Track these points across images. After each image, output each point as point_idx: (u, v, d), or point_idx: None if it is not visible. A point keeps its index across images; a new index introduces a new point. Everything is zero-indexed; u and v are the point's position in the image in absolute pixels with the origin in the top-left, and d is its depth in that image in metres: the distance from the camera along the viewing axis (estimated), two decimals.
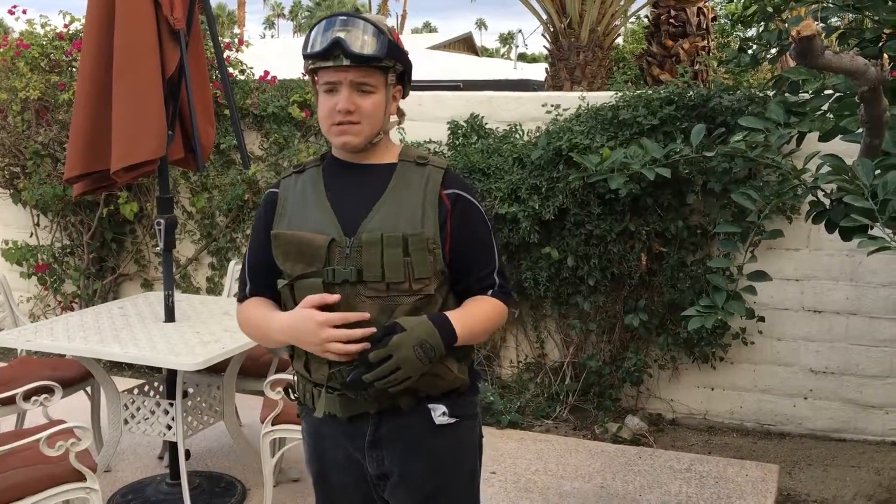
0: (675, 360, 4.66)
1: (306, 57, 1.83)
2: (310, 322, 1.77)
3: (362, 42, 1.77)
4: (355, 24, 1.78)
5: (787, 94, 3.44)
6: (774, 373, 4.56)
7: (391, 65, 1.82)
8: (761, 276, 2.91)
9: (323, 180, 1.92)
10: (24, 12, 5.66)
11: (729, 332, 4.52)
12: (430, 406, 1.87)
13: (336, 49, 1.77)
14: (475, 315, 1.86)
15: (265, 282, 1.95)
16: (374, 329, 1.77)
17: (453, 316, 1.82)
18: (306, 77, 5.45)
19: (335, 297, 1.79)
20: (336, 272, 1.80)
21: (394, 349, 1.72)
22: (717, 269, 3.34)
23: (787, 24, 3.58)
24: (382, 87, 1.83)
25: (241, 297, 2.02)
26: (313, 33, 1.82)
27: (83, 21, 5.37)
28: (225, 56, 4.98)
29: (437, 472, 1.90)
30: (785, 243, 4.39)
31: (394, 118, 1.96)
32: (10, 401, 3.38)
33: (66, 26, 5.58)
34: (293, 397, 2.03)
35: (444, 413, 1.87)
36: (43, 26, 5.62)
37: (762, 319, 4.44)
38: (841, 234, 2.63)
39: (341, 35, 1.77)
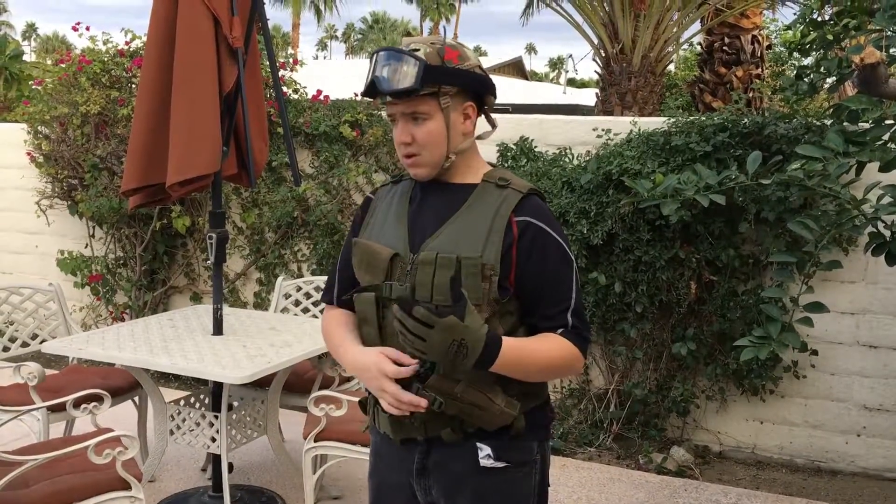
0: (723, 392, 4.57)
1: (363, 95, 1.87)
2: (376, 373, 1.77)
3: (399, 76, 1.75)
4: (392, 59, 1.77)
5: (845, 124, 3.38)
6: (827, 408, 4.44)
7: (435, 90, 1.78)
8: (818, 307, 2.84)
9: (411, 194, 1.92)
10: (88, 29, 5.83)
11: (780, 364, 4.41)
12: (478, 444, 1.81)
13: (375, 88, 1.79)
14: (527, 350, 1.76)
15: (349, 288, 1.95)
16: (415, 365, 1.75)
17: (507, 350, 1.72)
18: (358, 97, 5.55)
19: (413, 367, 1.76)
20: (393, 288, 1.80)
21: (440, 327, 1.62)
22: (771, 299, 3.26)
23: (846, 53, 3.52)
24: (437, 112, 1.79)
25: (328, 299, 2.05)
26: (366, 71, 1.84)
27: (144, 39, 5.53)
28: (279, 75, 5.06)
29: None
30: (840, 275, 4.29)
31: (486, 129, 1.94)
32: (61, 408, 3.44)
33: (127, 44, 5.73)
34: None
35: (488, 455, 1.81)
36: (105, 43, 5.78)
37: (815, 353, 4.33)
38: None
39: (379, 73, 1.78)
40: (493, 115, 1.98)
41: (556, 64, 69.42)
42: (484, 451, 1.81)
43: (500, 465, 1.82)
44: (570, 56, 35.54)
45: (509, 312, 1.80)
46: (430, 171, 1.84)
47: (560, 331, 1.80)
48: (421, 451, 1.87)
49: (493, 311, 1.77)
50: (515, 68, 36.35)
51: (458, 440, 1.82)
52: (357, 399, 2.09)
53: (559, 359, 1.79)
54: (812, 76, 3.78)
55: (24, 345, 4.21)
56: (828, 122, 4.11)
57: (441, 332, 1.61)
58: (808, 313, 2.82)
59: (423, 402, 1.73)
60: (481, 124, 1.95)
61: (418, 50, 1.77)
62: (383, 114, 5.30)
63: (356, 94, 5.43)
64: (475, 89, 1.85)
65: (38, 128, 5.90)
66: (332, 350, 1.97)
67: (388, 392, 1.75)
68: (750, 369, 4.39)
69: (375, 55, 1.81)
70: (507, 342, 1.72)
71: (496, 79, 1.98)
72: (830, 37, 3.63)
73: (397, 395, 1.74)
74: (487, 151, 4.90)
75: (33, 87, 6.45)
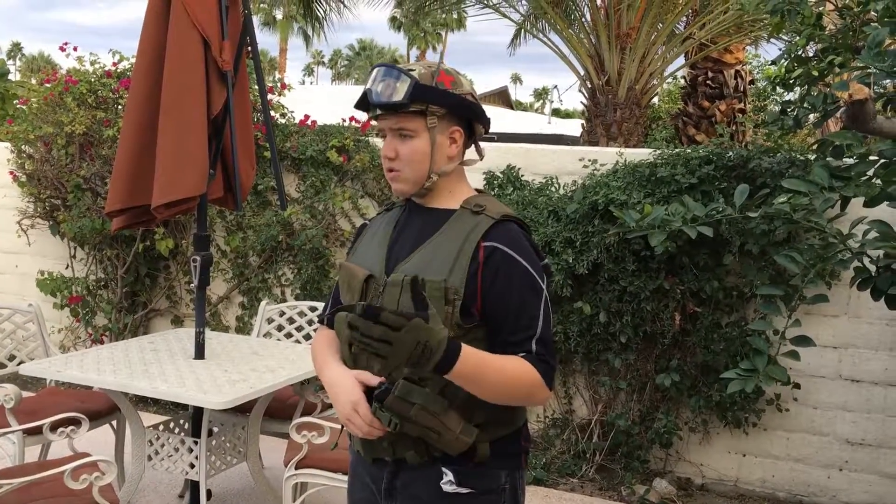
0: (706, 424, 4.56)
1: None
2: (344, 398, 1.80)
3: (390, 91, 1.80)
4: (385, 74, 1.83)
5: (829, 159, 3.41)
6: (809, 442, 4.44)
7: (422, 108, 1.82)
8: (805, 340, 2.84)
9: (397, 219, 1.96)
10: (75, 49, 5.81)
11: (763, 397, 4.42)
12: (443, 469, 1.81)
13: (366, 101, 1.85)
14: (487, 361, 1.72)
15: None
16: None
17: (466, 356, 1.68)
18: (345, 122, 5.55)
19: (377, 379, 1.77)
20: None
21: (407, 328, 1.58)
22: (757, 331, 3.27)
23: (831, 89, 3.57)
24: (423, 131, 1.83)
25: (321, 319, 2.11)
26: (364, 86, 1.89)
27: (131, 60, 5.51)
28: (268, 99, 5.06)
29: None
30: (823, 309, 4.31)
31: (472, 156, 1.97)
32: (37, 431, 3.38)
33: (114, 64, 5.71)
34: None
35: (450, 481, 1.81)
36: (92, 64, 5.76)
37: (798, 386, 4.33)
38: (887, 301, 2.58)
39: (372, 86, 1.83)
40: (482, 144, 2.00)
41: (540, 94, 70.02)
42: (447, 476, 1.81)
43: (462, 491, 1.81)
44: (556, 87, 35.91)
45: (477, 339, 1.79)
46: (410, 187, 1.88)
47: (522, 355, 1.77)
48: (389, 471, 1.87)
49: (456, 336, 1.76)
50: (501, 98, 36.64)
51: (423, 463, 1.82)
52: (339, 426, 2.09)
53: (519, 380, 1.75)
54: (797, 111, 3.82)
55: (1, 366, 4.14)
56: (812, 156, 4.16)
57: (408, 332, 1.58)
58: (795, 347, 2.83)
59: (378, 426, 1.75)
60: (472, 153, 1.98)
61: (413, 70, 1.83)
62: (370, 139, 5.31)
63: (344, 119, 5.45)
64: (464, 115, 1.88)
65: (22, 147, 5.85)
66: (317, 368, 2.01)
67: (352, 421, 1.79)
68: (733, 402, 4.39)
69: (373, 70, 1.86)
70: (467, 349, 1.69)
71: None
72: (815, 73, 3.67)
73: (360, 426, 1.77)
74: (474, 179, 4.91)
75: (18, 106, 6.42)
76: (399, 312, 1.60)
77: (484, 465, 1.82)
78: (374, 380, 1.78)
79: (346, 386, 1.80)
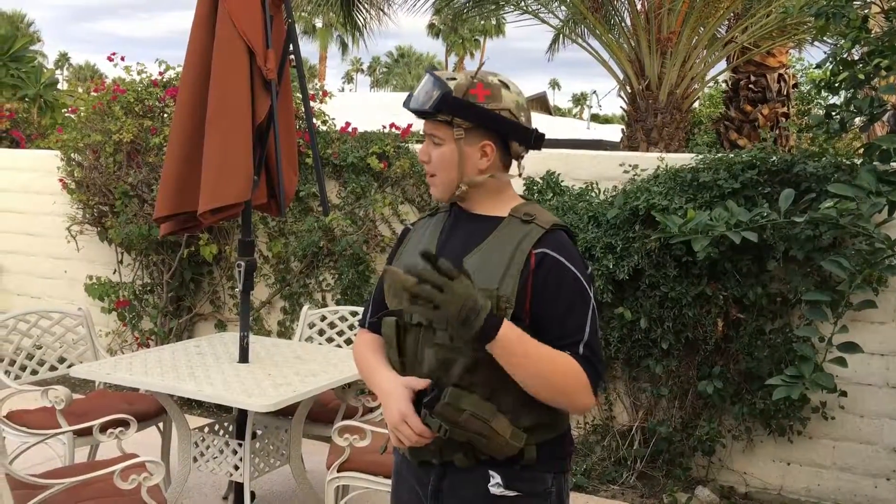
0: (749, 431, 4.50)
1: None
2: (394, 408, 1.83)
3: (426, 98, 1.86)
4: (429, 81, 1.88)
5: (876, 163, 3.36)
6: (856, 450, 4.36)
7: (448, 119, 1.85)
8: (852, 347, 2.80)
9: (443, 225, 1.99)
10: (123, 59, 5.94)
11: (808, 405, 4.35)
12: (490, 472, 1.83)
13: (407, 104, 1.92)
14: (533, 342, 1.75)
15: (378, 312, 2.03)
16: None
17: (510, 326, 1.73)
18: (385, 129, 5.60)
19: (425, 383, 1.82)
20: (415, 313, 1.85)
21: (460, 282, 1.67)
22: (803, 338, 3.22)
23: (876, 92, 3.52)
24: (451, 141, 1.87)
25: (362, 323, 2.13)
26: None
27: (177, 70, 5.63)
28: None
29: None
30: (870, 316, 4.23)
31: (514, 170, 1.98)
32: (87, 432, 3.46)
33: (160, 74, 5.83)
34: None
35: (498, 483, 1.83)
36: (139, 73, 5.88)
37: (844, 394, 4.26)
38: None
39: (415, 91, 1.91)
40: (522, 159, 2.00)
41: (579, 100, 69.75)
42: (494, 478, 1.83)
43: (509, 493, 1.83)
44: (594, 92, 35.74)
45: None
46: (441, 192, 1.93)
47: (570, 353, 1.79)
48: (436, 474, 1.90)
49: None
50: (539, 103, 36.52)
51: (470, 466, 1.84)
52: (381, 430, 2.13)
53: (563, 372, 1.76)
54: (842, 115, 3.77)
55: (52, 369, 4.24)
56: (858, 161, 4.09)
57: (460, 284, 1.67)
58: (842, 353, 2.79)
59: (428, 435, 1.80)
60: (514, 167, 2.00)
61: (455, 79, 1.86)
62: (410, 146, 5.34)
63: (384, 126, 5.50)
64: (495, 129, 1.88)
65: (72, 155, 6.00)
66: (364, 372, 2.03)
67: (400, 431, 1.82)
68: (777, 409, 4.32)
69: (425, 75, 1.93)
70: (511, 324, 1.74)
71: None
72: (861, 76, 3.62)
73: (409, 436, 1.81)
74: (513, 185, 4.91)
75: (67, 114, 6.58)
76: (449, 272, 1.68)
77: (530, 469, 1.84)
78: (421, 383, 1.82)
79: (396, 395, 1.84)
